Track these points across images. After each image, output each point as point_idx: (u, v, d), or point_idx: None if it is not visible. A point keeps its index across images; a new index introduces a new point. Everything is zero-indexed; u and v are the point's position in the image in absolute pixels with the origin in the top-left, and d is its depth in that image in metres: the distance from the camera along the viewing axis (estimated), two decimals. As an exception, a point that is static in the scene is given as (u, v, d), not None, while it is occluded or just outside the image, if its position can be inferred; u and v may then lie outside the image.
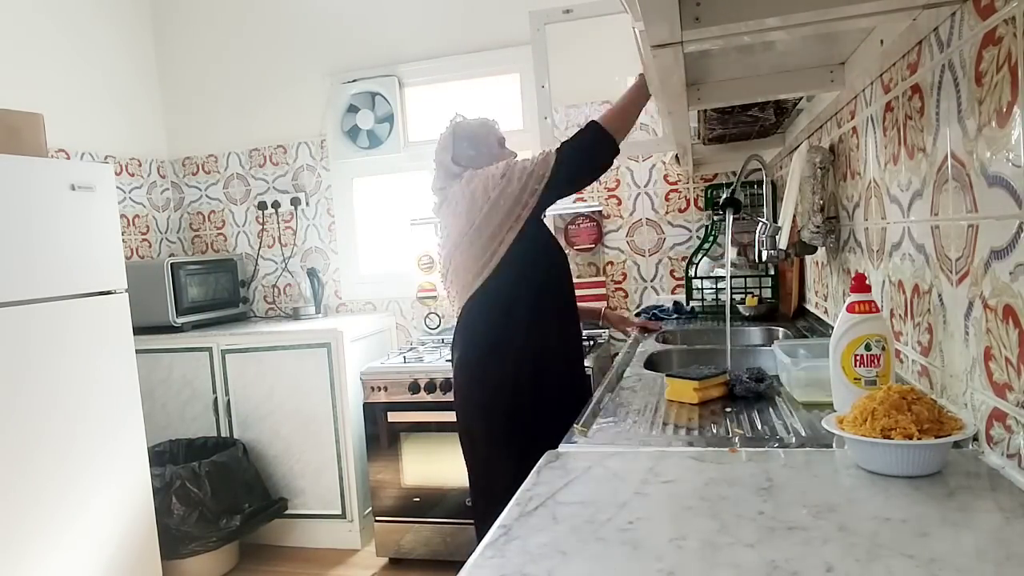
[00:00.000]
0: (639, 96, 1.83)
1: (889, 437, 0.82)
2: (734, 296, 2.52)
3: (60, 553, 2.10)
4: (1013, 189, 0.77)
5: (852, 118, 1.52)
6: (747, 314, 2.41)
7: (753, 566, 0.64)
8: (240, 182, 3.52)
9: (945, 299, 1.00)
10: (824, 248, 1.82)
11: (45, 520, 2.07)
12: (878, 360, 1.04)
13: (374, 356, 3.03)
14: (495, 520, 0.80)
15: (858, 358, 1.04)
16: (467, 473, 1.92)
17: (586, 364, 2.35)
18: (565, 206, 3.04)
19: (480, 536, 1.91)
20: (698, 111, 1.81)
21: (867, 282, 1.07)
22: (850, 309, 1.05)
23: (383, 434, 2.72)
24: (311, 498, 2.92)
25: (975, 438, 0.90)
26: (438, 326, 3.24)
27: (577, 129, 1.86)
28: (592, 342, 2.69)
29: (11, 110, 2.23)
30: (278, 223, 3.47)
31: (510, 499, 0.85)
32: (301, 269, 3.41)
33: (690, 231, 2.96)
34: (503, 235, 1.76)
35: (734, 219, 2.40)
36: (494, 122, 2.00)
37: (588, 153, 1.80)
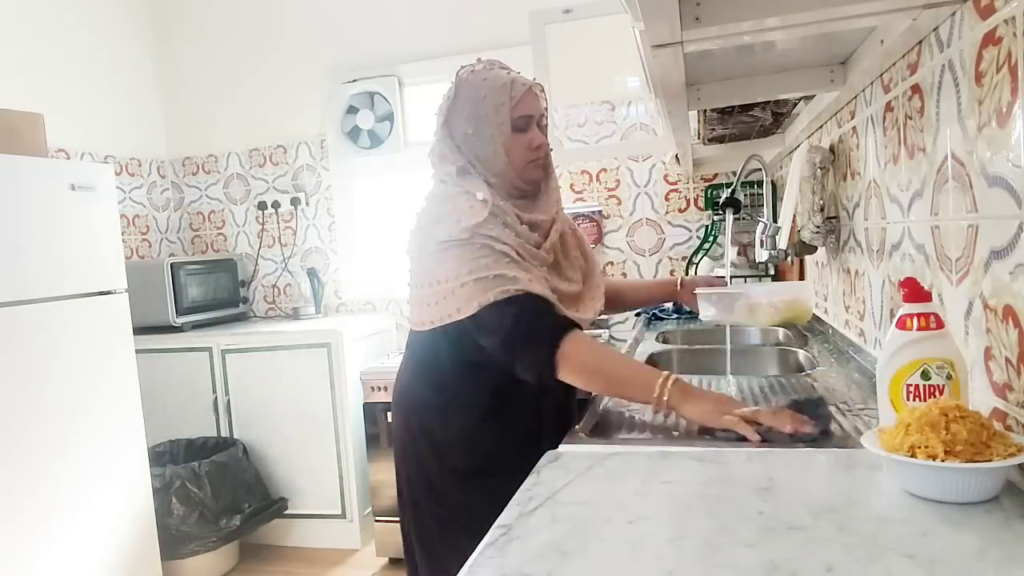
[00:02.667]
0: (637, 390, 1.16)
1: (914, 455, 0.73)
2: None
3: (60, 553, 2.10)
4: (1013, 189, 0.77)
5: (852, 118, 1.52)
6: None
7: (753, 566, 0.64)
8: (240, 182, 3.52)
9: (945, 299, 1.00)
10: (824, 248, 1.82)
11: (45, 520, 2.07)
12: (939, 392, 0.80)
13: (374, 356, 3.03)
14: None
15: (911, 389, 0.82)
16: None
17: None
18: (565, 206, 3.03)
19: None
20: (698, 111, 1.81)
21: (925, 288, 0.84)
22: (901, 325, 0.83)
23: (383, 434, 2.72)
24: (311, 498, 2.92)
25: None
26: (438, 326, 3.24)
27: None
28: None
29: (11, 110, 2.23)
30: (278, 223, 3.47)
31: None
32: (301, 269, 3.41)
33: (690, 231, 2.96)
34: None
35: (734, 219, 2.40)
36: (520, 85, 1.29)
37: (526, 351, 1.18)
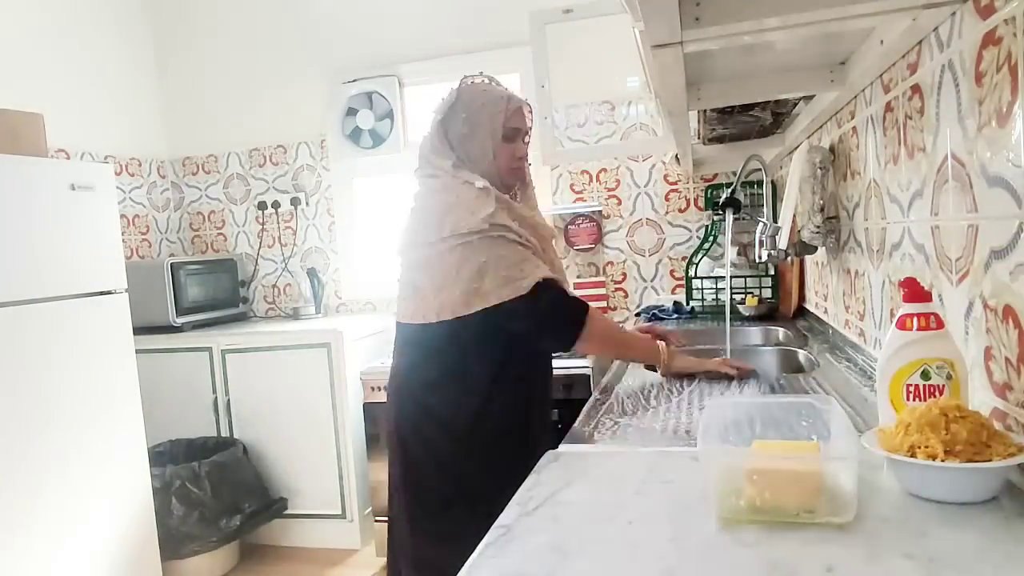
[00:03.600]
0: (644, 355, 1.54)
1: (914, 455, 0.73)
2: (734, 296, 2.52)
3: (60, 553, 2.10)
4: (1013, 189, 0.77)
5: (852, 118, 1.52)
6: (747, 314, 2.41)
7: (753, 566, 0.64)
8: (240, 182, 3.52)
9: (945, 299, 1.00)
10: (824, 248, 1.82)
11: (45, 520, 2.07)
12: (939, 392, 0.81)
13: (374, 356, 3.03)
14: None
15: (911, 389, 0.82)
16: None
17: (585, 364, 2.35)
18: (565, 206, 3.04)
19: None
20: (698, 111, 1.81)
21: (925, 288, 0.85)
22: (901, 325, 0.83)
23: (383, 434, 2.71)
24: (311, 498, 2.92)
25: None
26: (438, 326, 3.24)
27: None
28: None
29: (11, 110, 2.23)
30: (278, 223, 3.47)
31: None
32: (301, 269, 3.41)
33: (690, 231, 2.96)
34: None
35: (734, 219, 2.40)
36: (515, 102, 1.45)
37: (557, 325, 1.41)
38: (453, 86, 1.48)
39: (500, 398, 1.40)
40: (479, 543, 0.74)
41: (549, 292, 1.36)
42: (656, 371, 1.55)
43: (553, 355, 1.56)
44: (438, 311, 1.36)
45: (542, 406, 1.51)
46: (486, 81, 1.48)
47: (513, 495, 0.87)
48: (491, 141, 1.43)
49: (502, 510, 0.82)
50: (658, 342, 1.52)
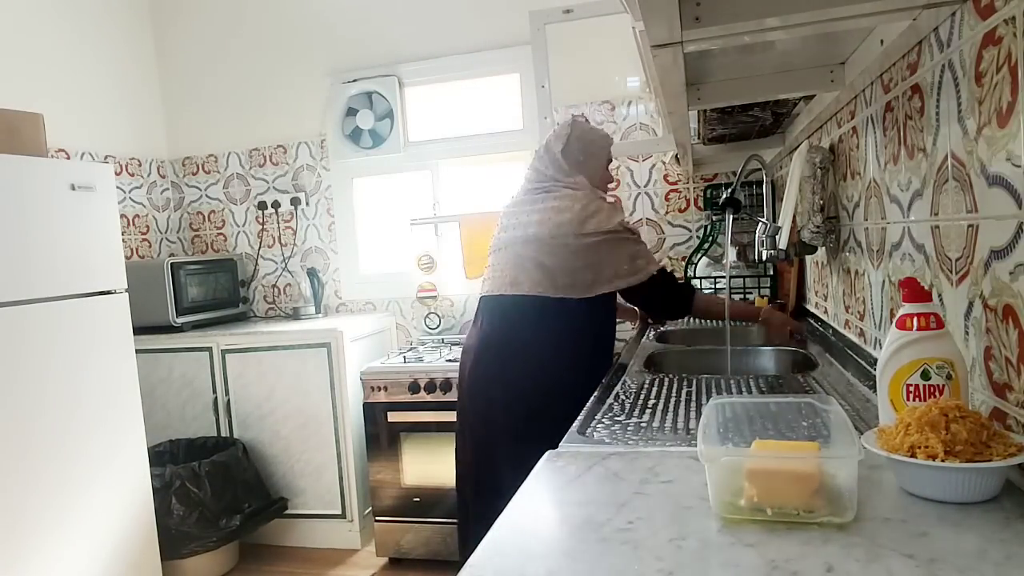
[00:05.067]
0: (745, 315, 2.03)
1: (914, 455, 0.73)
2: (736, 296, 2.52)
3: (60, 553, 2.10)
4: (1013, 189, 0.77)
5: (852, 118, 1.52)
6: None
7: (753, 566, 0.64)
8: (240, 182, 3.52)
9: (945, 299, 1.00)
10: (824, 248, 1.82)
11: (45, 520, 2.07)
12: (939, 392, 0.81)
13: (374, 356, 3.03)
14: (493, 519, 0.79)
15: (911, 389, 0.82)
16: (467, 469, 1.88)
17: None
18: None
19: (468, 537, 1.86)
20: (698, 111, 1.81)
21: (925, 288, 0.85)
22: (900, 324, 0.83)
23: (383, 434, 2.72)
24: (311, 498, 2.92)
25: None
26: (438, 326, 3.24)
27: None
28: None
29: (11, 110, 2.23)
30: (278, 223, 3.47)
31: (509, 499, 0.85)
32: (301, 269, 3.41)
33: (690, 231, 2.96)
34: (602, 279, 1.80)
35: (734, 219, 2.40)
36: (610, 142, 1.98)
37: (669, 304, 1.92)
38: (565, 119, 2.07)
39: (596, 364, 1.79)
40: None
41: (664, 278, 1.84)
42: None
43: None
44: (566, 290, 1.75)
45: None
46: (585, 120, 2.06)
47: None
48: (600, 171, 1.93)
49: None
50: (754, 307, 2.06)
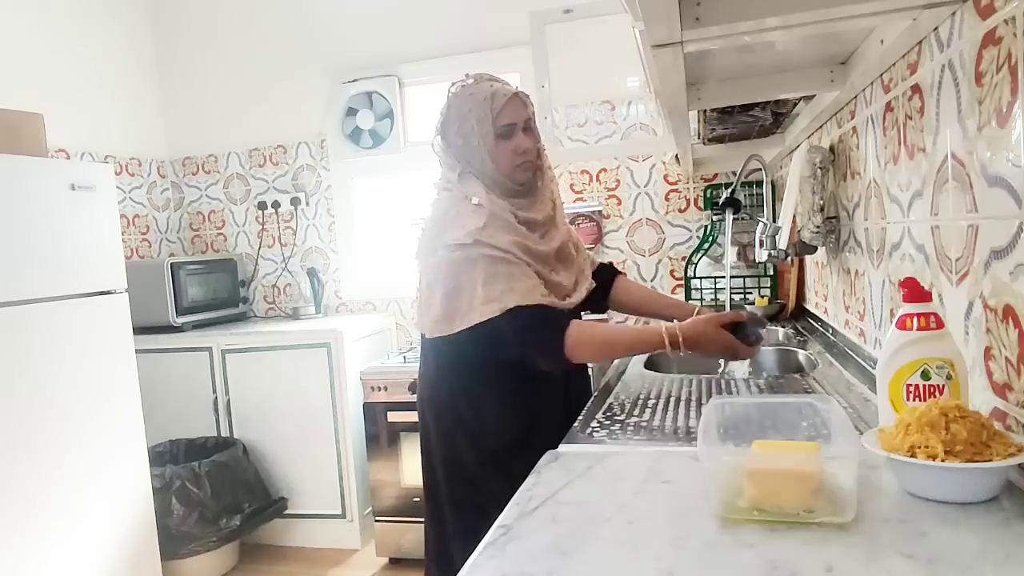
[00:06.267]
0: (646, 346, 1.39)
1: (914, 455, 0.73)
2: (736, 296, 2.52)
3: (60, 553, 2.10)
4: (1013, 189, 0.77)
5: (852, 118, 1.52)
6: (757, 315, 2.38)
7: (753, 566, 0.64)
8: (240, 182, 3.52)
9: (945, 299, 1.00)
10: (824, 248, 1.82)
11: (45, 520, 2.07)
12: (939, 392, 0.81)
13: (374, 356, 3.03)
14: None
15: (911, 389, 0.82)
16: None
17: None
18: (565, 206, 3.03)
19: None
20: (698, 111, 1.81)
21: (925, 288, 0.84)
22: (901, 325, 0.83)
23: (383, 434, 2.72)
24: (311, 498, 2.92)
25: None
26: (438, 326, 3.24)
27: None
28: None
29: (11, 110, 2.23)
30: (278, 223, 3.47)
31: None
32: (301, 269, 3.41)
33: (690, 231, 2.96)
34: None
35: (734, 219, 2.40)
36: (500, 97, 1.38)
37: (531, 348, 1.36)
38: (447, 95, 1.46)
39: (525, 402, 1.43)
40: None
41: (523, 319, 1.30)
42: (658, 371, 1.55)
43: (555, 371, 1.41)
44: (432, 325, 1.40)
45: (550, 419, 1.40)
46: (471, 82, 1.42)
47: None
48: (484, 145, 1.39)
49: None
50: (663, 329, 1.33)
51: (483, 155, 1.39)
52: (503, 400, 1.43)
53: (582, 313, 1.56)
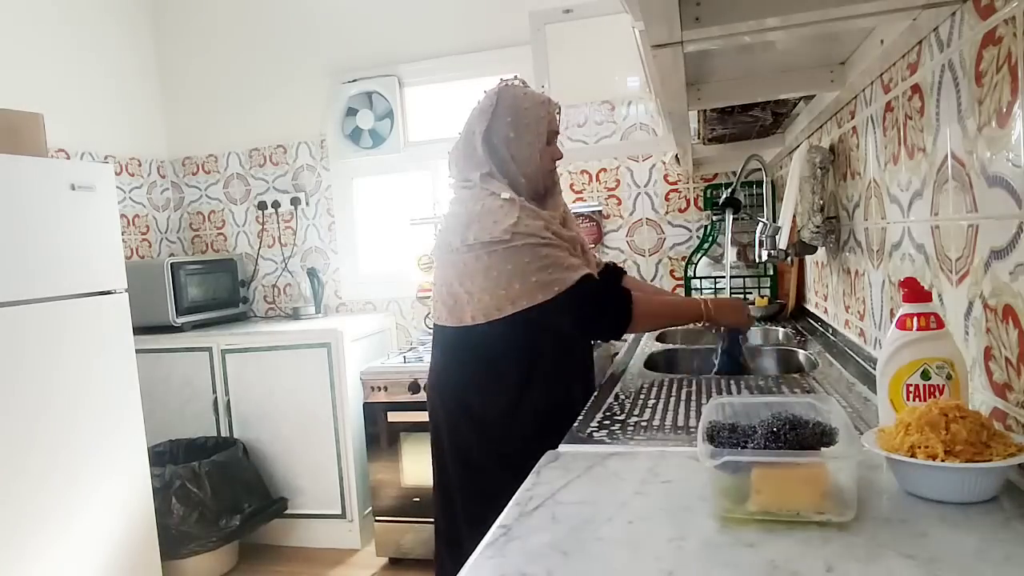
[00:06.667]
0: (689, 315, 1.59)
1: (914, 455, 0.73)
2: (735, 296, 2.52)
3: (60, 553, 2.10)
4: (1013, 189, 0.77)
5: (852, 118, 1.52)
6: (757, 315, 2.39)
7: (753, 566, 0.64)
8: (240, 182, 3.52)
9: (945, 299, 1.00)
10: (824, 248, 1.82)
11: (45, 520, 2.07)
12: (939, 392, 0.81)
13: (374, 356, 3.03)
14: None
15: (911, 389, 0.82)
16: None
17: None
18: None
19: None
20: (698, 111, 1.81)
21: (925, 288, 0.85)
22: (901, 325, 0.83)
23: (383, 434, 2.72)
24: (311, 498, 2.92)
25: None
26: (438, 326, 3.24)
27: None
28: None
29: (11, 110, 2.23)
30: (278, 223, 3.47)
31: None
32: (301, 269, 3.40)
33: (690, 231, 2.96)
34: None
35: (734, 219, 2.40)
36: (555, 105, 1.54)
37: (596, 320, 1.46)
38: (487, 89, 1.52)
39: (532, 396, 1.47)
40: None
41: (585, 289, 1.41)
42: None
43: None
44: (472, 314, 1.44)
45: (583, 400, 1.45)
46: (518, 84, 1.53)
47: None
48: (538, 144, 1.49)
49: None
50: (701, 302, 1.57)
51: (533, 151, 1.49)
52: (510, 393, 1.47)
53: None
